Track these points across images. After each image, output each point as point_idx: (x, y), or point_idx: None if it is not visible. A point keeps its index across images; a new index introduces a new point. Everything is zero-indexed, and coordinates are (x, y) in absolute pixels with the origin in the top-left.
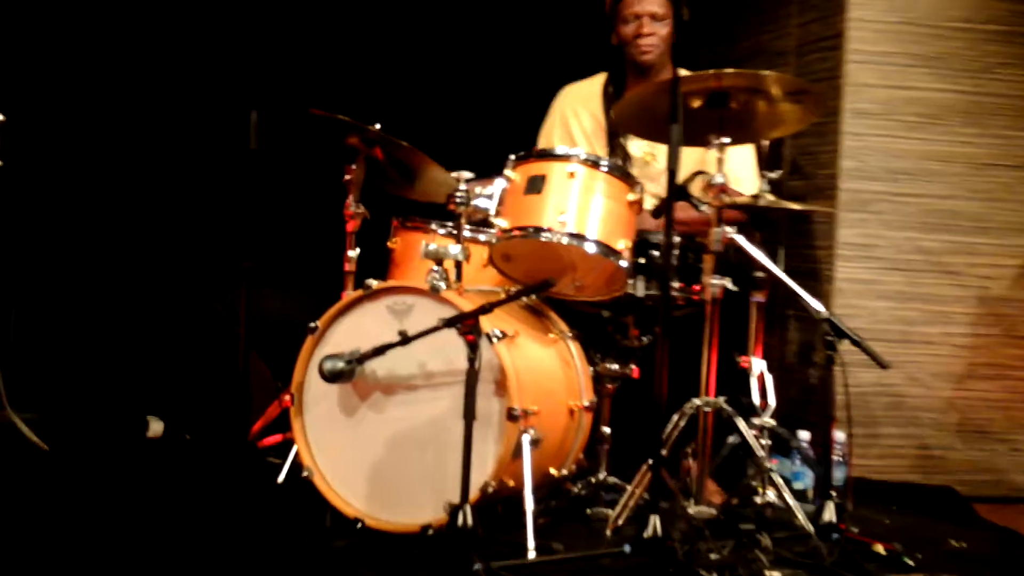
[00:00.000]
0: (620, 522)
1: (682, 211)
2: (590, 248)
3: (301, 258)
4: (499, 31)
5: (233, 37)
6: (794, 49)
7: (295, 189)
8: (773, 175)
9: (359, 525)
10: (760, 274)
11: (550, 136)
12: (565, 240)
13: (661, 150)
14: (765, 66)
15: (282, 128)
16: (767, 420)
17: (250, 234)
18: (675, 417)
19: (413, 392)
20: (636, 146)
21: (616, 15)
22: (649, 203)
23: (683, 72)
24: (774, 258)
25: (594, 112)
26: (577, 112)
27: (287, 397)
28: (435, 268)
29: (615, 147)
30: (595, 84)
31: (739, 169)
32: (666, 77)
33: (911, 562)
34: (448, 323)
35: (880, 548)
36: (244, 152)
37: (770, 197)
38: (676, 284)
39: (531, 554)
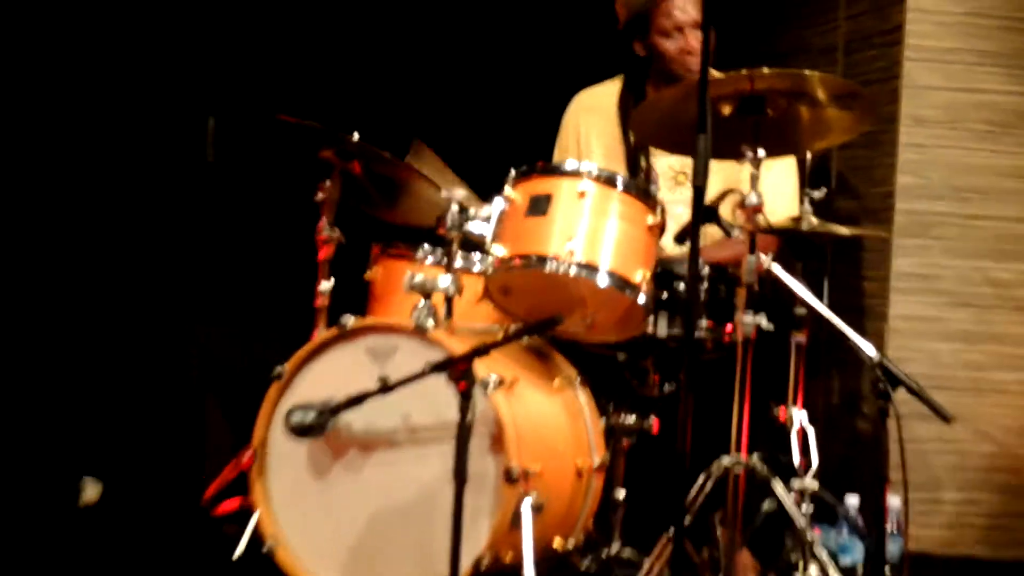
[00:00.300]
0: None
1: (722, 248)
2: (603, 280)
3: (265, 290)
4: (499, 26)
5: (186, 30)
6: (843, 45)
7: (259, 209)
8: (817, 194)
9: None
10: (801, 311)
11: (566, 152)
12: (573, 271)
13: (687, 172)
14: (808, 65)
15: (244, 137)
16: (809, 482)
17: (206, 262)
18: (701, 478)
19: (395, 449)
20: (665, 162)
21: (648, 25)
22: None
23: (714, 74)
24: (818, 292)
25: (611, 121)
26: (592, 121)
27: (247, 455)
28: (421, 303)
29: (635, 162)
30: (611, 89)
31: (777, 187)
32: (691, 78)
33: None
34: (436, 368)
35: None
36: (200, 165)
37: (813, 220)
38: (703, 322)
39: None
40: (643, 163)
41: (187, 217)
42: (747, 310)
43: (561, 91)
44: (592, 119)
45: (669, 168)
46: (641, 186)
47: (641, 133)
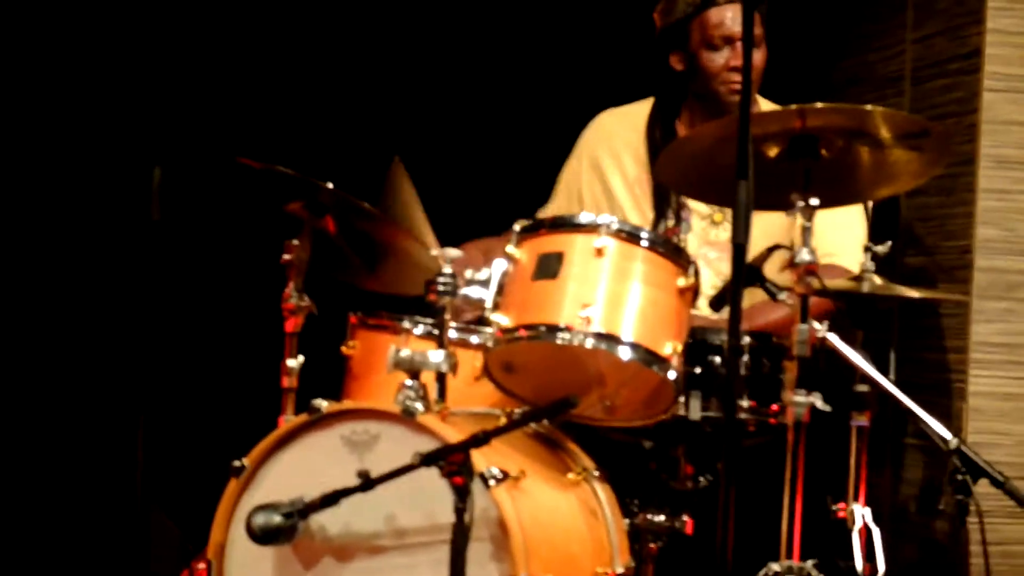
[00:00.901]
0: None
1: (768, 313)
2: (625, 353)
3: (222, 369)
4: (504, 45)
5: (123, 60)
6: (910, 74)
7: (214, 274)
8: (881, 249)
9: None
10: (863, 388)
11: (573, 187)
12: (590, 342)
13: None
14: (870, 98)
15: (197, 189)
16: None
17: (151, 337)
18: None
19: (378, 557)
20: (699, 205)
21: (688, 36)
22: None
23: (763, 105)
24: (883, 365)
25: (638, 150)
26: (617, 149)
27: (201, 566)
28: (409, 383)
29: (664, 199)
30: (639, 114)
31: (833, 242)
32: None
33: None
34: (427, 460)
35: None
36: (143, 224)
37: (876, 280)
38: (745, 403)
39: None
40: (673, 200)
41: (129, 286)
42: (798, 388)
43: (575, 120)
44: (617, 146)
45: (705, 206)
46: (671, 242)
47: (670, 179)
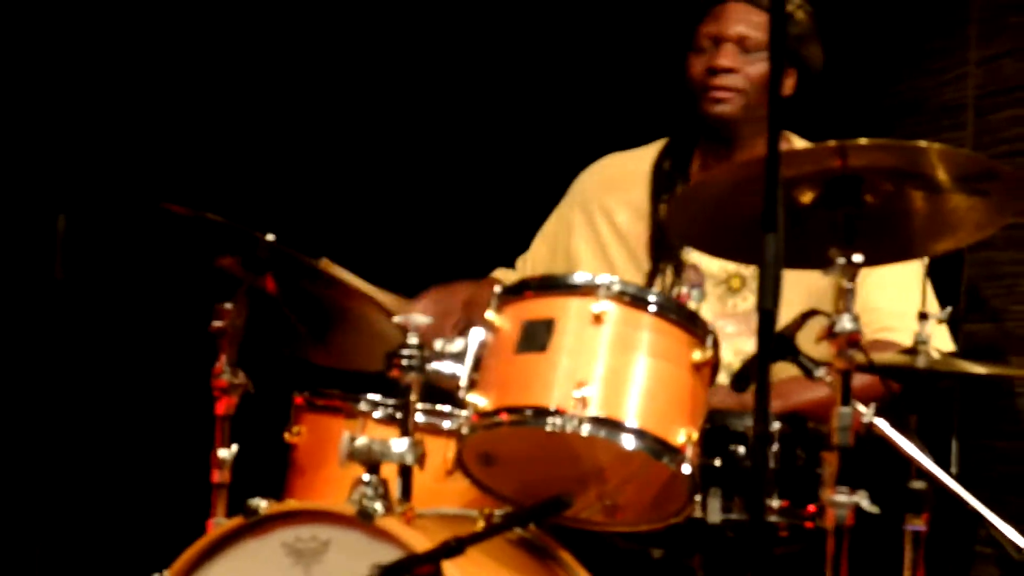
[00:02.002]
0: None
1: (802, 393)
2: (629, 442)
3: (138, 459)
4: (490, 74)
5: (23, 86)
6: (973, 102)
7: (129, 345)
8: (939, 315)
9: None
10: (918, 485)
11: (560, 239)
12: (587, 429)
13: (752, 270)
14: (926, 132)
15: (108, 241)
16: None
17: (52, 418)
18: None
19: None
20: (711, 260)
21: (689, 45)
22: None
23: (795, 143)
24: (943, 457)
25: (638, 202)
26: (616, 202)
27: None
28: (366, 478)
29: (669, 261)
30: (644, 160)
31: (882, 310)
32: (756, 150)
33: None
34: (388, 573)
35: None
36: (44, 283)
37: (934, 353)
38: (775, 502)
39: None
40: (683, 259)
41: (25, 359)
42: (839, 485)
43: (573, 161)
44: (616, 196)
45: (721, 268)
46: (684, 307)
47: (680, 231)
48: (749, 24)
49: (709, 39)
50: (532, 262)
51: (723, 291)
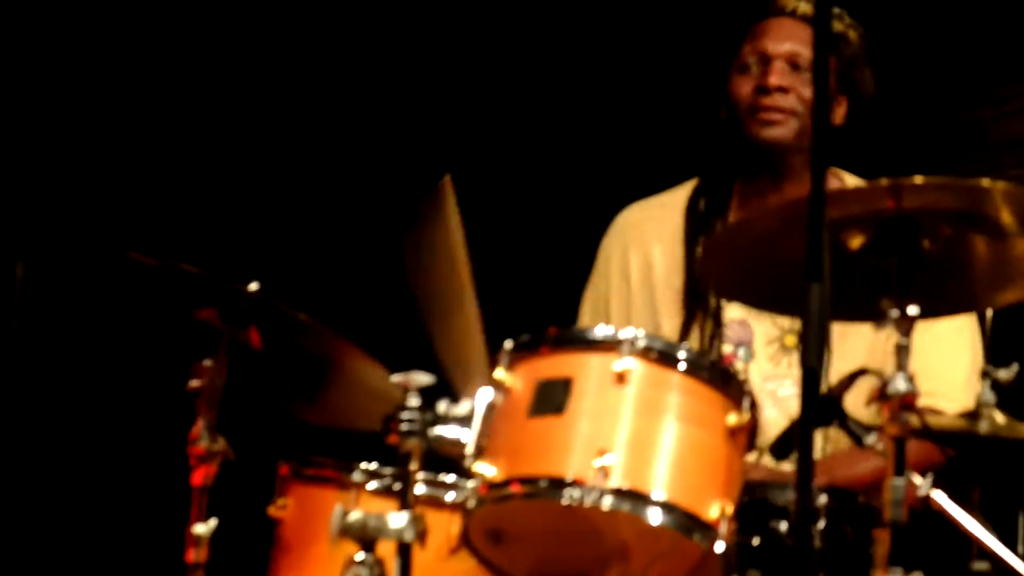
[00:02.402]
0: None
1: (850, 463)
2: (656, 517)
3: (105, 535)
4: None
5: None
6: None
7: (94, 407)
8: (1004, 374)
9: None
10: (982, 566)
11: (600, 301)
12: (608, 502)
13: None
14: (987, 169)
15: (72, 292)
16: None
17: (12, 491)
18: None
19: None
20: (761, 315)
21: (730, 67)
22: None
23: (846, 180)
24: (1008, 535)
25: (671, 250)
26: (647, 250)
27: None
28: (360, 557)
29: (706, 313)
30: (674, 202)
31: (939, 366)
32: (805, 186)
33: None
34: None
35: None
36: (0, 338)
37: (998, 417)
38: None
39: None
40: (725, 312)
41: None
42: (892, 565)
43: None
44: (646, 243)
45: (773, 323)
46: (718, 365)
47: (714, 279)
48: (800, 40)
49: (756, 57)
50: None
51: (776, 349)
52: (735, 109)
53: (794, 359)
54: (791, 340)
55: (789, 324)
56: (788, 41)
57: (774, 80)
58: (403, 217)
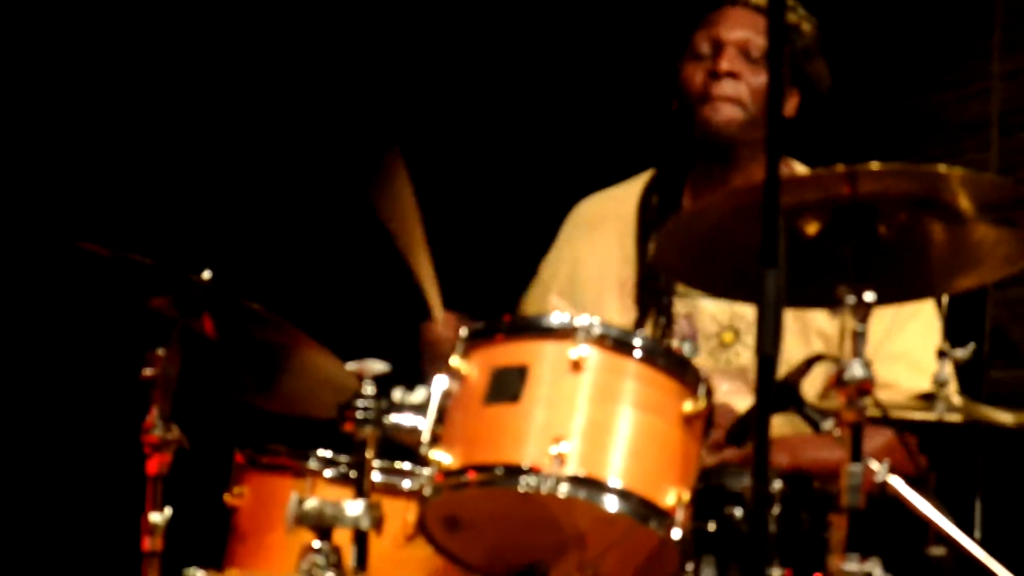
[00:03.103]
0: None
1: (806, 449)
2: (612, 504)
3: (58, 524)
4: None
5: None
6: (997, 119)
7: (48, 396)
8: (960, 354)
9: None
10: (938, 551)
11: (549, 292)
12: (564, 489)
13: (746, 315)
14: (945, 154)
15: (24, 282)
16: None
17: None
18: None
19: None
20: (706, 309)
21: (684, 55)
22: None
23: (796, 169)
24: (965, 520)
25: (624, 244)
26: (602, 243)
27: None
28: (316, 545)
29: (659, 309)
30: (628, 195)
31: (897, 351)
32: (754, 176)
33: None
34: None
35: None
36: None
37: (955, 399)
38: (777, 572)
39: None
40: (672, 309)
41: None
42: (848, 551)
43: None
44: (597, 240)
45: (712, 319)
46: (673, 353)
47: (668, 268)
48: (753, 29)
49: (708, 44)
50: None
51: (714, 345)
52: (686, 97)
53: (731, 355)
54: (729, 337)
55: (728, 320)
56: (741, 29)
57: (724, 65)
58: (364, 177)
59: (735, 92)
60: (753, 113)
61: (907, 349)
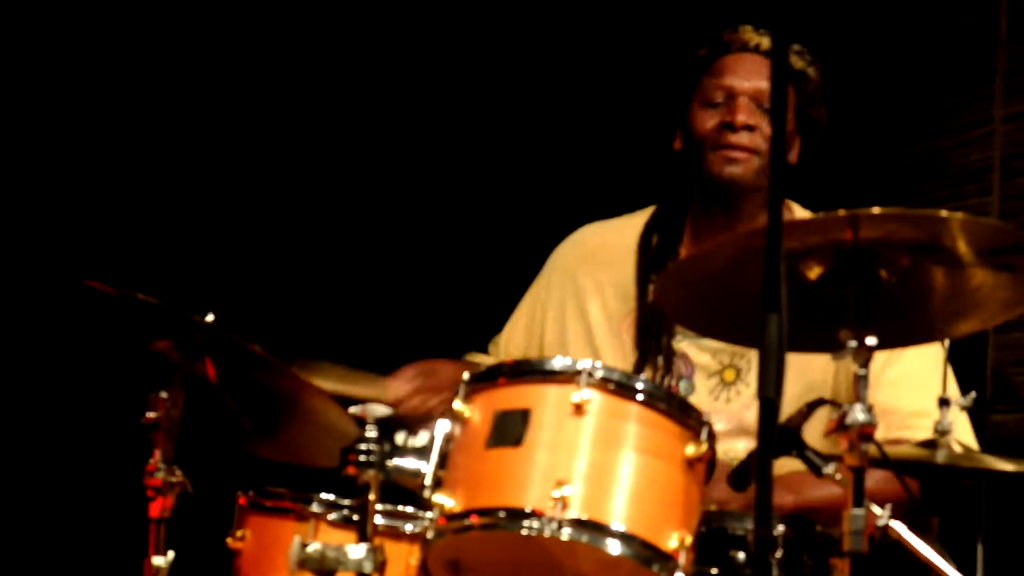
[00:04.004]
0: None
1: (808, 492)
2: (615, 548)
3: (64, 567)
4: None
5: None
6: (999, 164)
7: (47, 439)
8: (962, 402)
9: None
10: None
11: (536, 320)
12: (567, 533)
13: (747, 353)
14: (947, 199)
15: (25, 321)
16: None
17: None
18: None
19: None
20: (706, 349)
21: (690, 98)
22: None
23: (796, 213)
24: (968, 564)
25: (623, 281)
26: (599, 279)
27: None
28: None
29: (658, 349)
30: (628, 229)
31: (900, 406)
32: (757, 221)
33: None
34: None
35: None
36: None
37: (956, 446)
38: None
39: None
40: (665, 344)
41: None
42: None
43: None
44: (599, 271)
45: (713, 358)
46: (676, 396)
47: (671, 309)
48: (764, 78)
49: (721, 92)
50: (506, 347)
51: (715, 384)
52: (696, 143)
53: (731, 392)
54: (731, 375)
55: (730, 359)
56: (753, 78)
57: (742, 118)
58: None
59: (752, 143)
60: (765, 162)
61: (906, 372)
